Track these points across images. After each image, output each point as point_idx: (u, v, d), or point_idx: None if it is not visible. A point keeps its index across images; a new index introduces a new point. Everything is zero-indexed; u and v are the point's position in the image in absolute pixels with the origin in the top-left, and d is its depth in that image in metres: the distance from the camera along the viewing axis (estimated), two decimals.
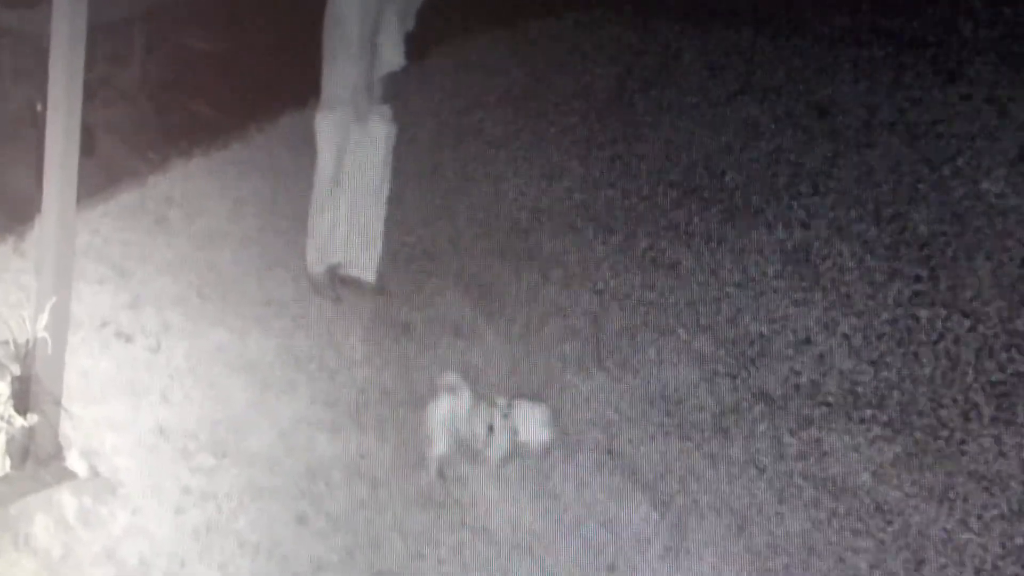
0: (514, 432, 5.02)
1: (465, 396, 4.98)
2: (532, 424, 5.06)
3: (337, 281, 5.73)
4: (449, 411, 4.95)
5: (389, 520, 4.75)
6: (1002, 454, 5.10)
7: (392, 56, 5.57)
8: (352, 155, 5.63)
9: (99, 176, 5.74)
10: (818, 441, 5.19)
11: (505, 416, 5.02)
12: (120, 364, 5.16)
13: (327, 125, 5.58)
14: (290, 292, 5.68)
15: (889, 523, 4.85)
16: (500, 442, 4.99)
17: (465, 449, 4.99)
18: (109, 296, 5.43)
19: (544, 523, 4.85)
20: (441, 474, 4.95)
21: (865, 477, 5.03)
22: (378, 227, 5.73)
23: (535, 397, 5.20)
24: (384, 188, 5.70)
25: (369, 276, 5.76)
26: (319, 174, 5.64)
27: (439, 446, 4.93)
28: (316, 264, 5.73)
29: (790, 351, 5.58)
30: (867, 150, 6.59)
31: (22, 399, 4.63)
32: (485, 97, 6.95)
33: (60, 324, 4.66)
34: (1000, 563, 4.72)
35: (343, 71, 5.50)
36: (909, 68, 7.00)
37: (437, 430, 4.93)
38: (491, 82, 7.05)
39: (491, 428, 4.97)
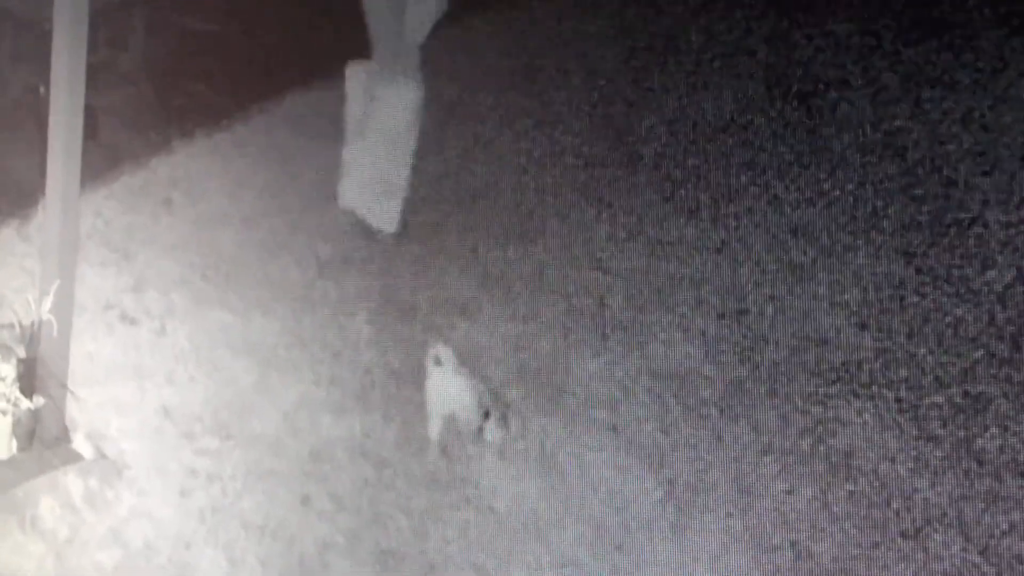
0: (508, 411, 5.04)
1: (450, 367, 4.99)
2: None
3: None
4: (438, 386, 4.96)
5: (394, 500, 4.76)
6: (1007, 431, 5.09)
7: (427, 9, 5.58)
8: (378, 109, 5.65)
9: (102, 159, 5.74)
10: (823, 417, 5.19)
11: (502, 401, 5.04)
12: (125, 347, 5.17)
13: (355, 75, 5.64)
14: (294, 273, 5.68)
15: (893, 499, 4.85)
16: (497, 428, 5.00)
17: (463, 430, 5.00)
18: (113, 279, 5.44)
19: (549, 502, 4.86)
20: (445, 453, 4.96)
21: (870, 453, 5.03)
22: (401, 179, 5.74)
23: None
24: (410, 139, 5.72)
25: (390, 227, 5.77)
26: (347, 119, 5.69)
27: (435, 425, 4.95)
28: (346, 200, 5.78)
29: (795, 327, 5.57)
30: (873, 127, 6.56)
31: (28, 381, 4.66)
32: (487, 77, 6.92)
33: (65, 307, 4.69)
34: (1005, 540, 4.72)
35: (375, 22, 5.53)
36: (914, 43, 6.96)
37: (431, 408, 4.95)
38: (493, 62, 7.02)
39: (487, 413, 4.99)
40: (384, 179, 5.76)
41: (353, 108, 5.72)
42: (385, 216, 5.77)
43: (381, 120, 5.71)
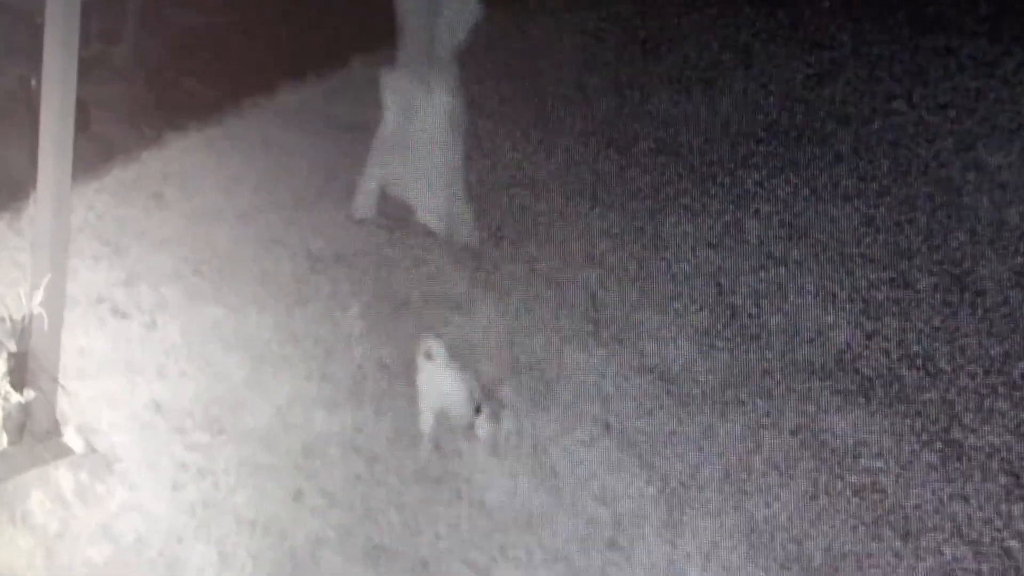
0: (500, 406, 5.04)
1: (441, 362, 5.00)
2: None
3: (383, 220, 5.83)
4: (430, 381, 4.97)
5: (386, 495, 4.76)
6: (1002, 428, 5.09)
7: (460, 15, 5.63)
8: (419, 119, 5.71)
9: (94, 153, 5.73)
10: (815, 415, 5.19)
11: (494, 396, 5.05)
12: (116, 341, 5.15)
13: (391, 85, 5.67)
14: (287, 268, 5.67)
15: (885, 496, 4.85)
16: (488, 423, 5.01)
17: (455, 425, 5.01)
18: (104, 273, 5.42)
19: (541, 497, 4.86)
20: (437, 448, 4.96)
21: (862, 451, 5.03)
22: (449, 179, 5.81)
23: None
24: (457, 145, 5.78)
25: (439, 225, 5.82)
26: (383, 131, 5.73)
27: (427, 420, 4.96)
28: (362, 210, 5.79)
29: (788, 324, 5.57)
30: (866, 123, 6.57)
31: (19, 375, 4.64)
32: (482, 73, 6.92)
33: (56, 301, 4.67)
34: (997, 535, 4.72)
35: (408, 29, 5.57)
36: (908, 41, 6.97)
37: (423, 403, 4.95)
38: (488, 57, 7.01)
39: (479, 408, 4.99)
40: (433, 183, 5.83)
41: (391, 118, 5.79)
42: (436, 217, 5.84)
43: (421, 127, 5.79)
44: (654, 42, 7.20)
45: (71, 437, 4.75)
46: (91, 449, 4.73)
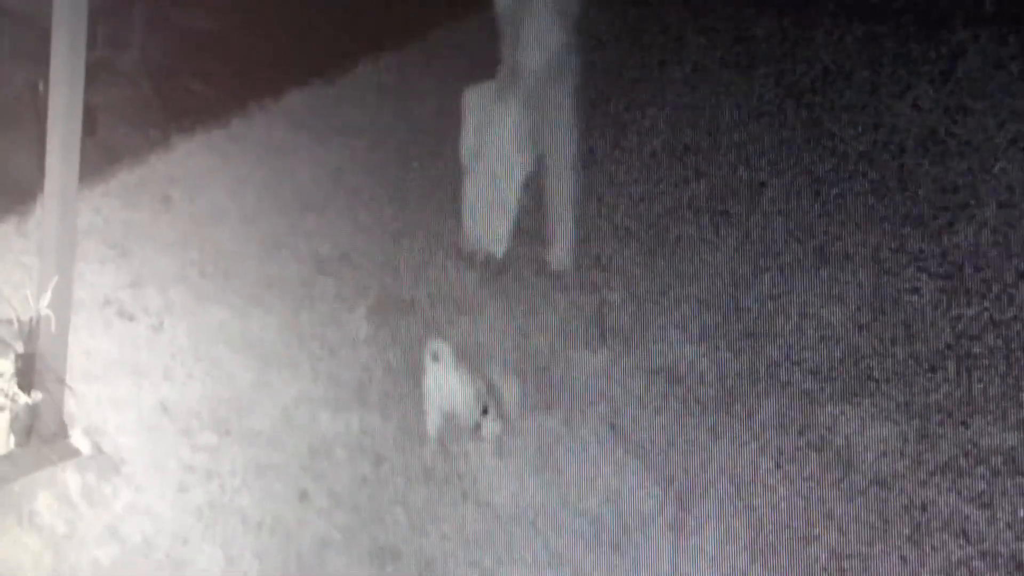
0: (506, 407, 5.05)
1: (448, 363, 5.01)
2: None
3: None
4: (436, 382, 4.98)
5: (392, 496, 4.77)
6: (1006, 430, 5.09)
7: (542, 35, 5.68)
8: (491, 134, 5.75)
9: (101, 156, 5.74)
10: (821, 415, 5.18)
11: (498, 397, 5.05)
12: (123, 343, 5.17)
13: (469, 97, 5.72)
14: (293, 270, 5.68)
15: (891, 497, 4.85)
16: (494, 424, 5.01)
17: (461, 426, 5.01)
18: (111, 275, 5.44)
19: (547, 498, 4.86)
20: (443, 449, 4.96)
21: (868, 452, 5.02)
22: (510, 204, 5.83)
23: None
24: (518, 166, 5.82)
25: (499, 251, 5.84)
26: (461, 145, 5.79)
27: (433, 421, 4.96)
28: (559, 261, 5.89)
29: (794, 326, 5.57)
30: (872, 124, 6.56)
31: (26, 377, 4.65)
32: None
33: (63, 303, 4.68)
34: (1002, 536, 4.71)
35: (497, 45, 5.64)
36: (913, 42, 6.96)
37: (429, 404, 4.96)
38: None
39: (485, 410, 5.00)
40: (498, 203, 5.88)
41: (468, 133, 5.85)
42: (494, 240, 5.86)
43: (494, 144, 5.85)
44: (660, 46, 7.20)
45: (78, 439, 4.76)
46: (98, 451, 4.74)
